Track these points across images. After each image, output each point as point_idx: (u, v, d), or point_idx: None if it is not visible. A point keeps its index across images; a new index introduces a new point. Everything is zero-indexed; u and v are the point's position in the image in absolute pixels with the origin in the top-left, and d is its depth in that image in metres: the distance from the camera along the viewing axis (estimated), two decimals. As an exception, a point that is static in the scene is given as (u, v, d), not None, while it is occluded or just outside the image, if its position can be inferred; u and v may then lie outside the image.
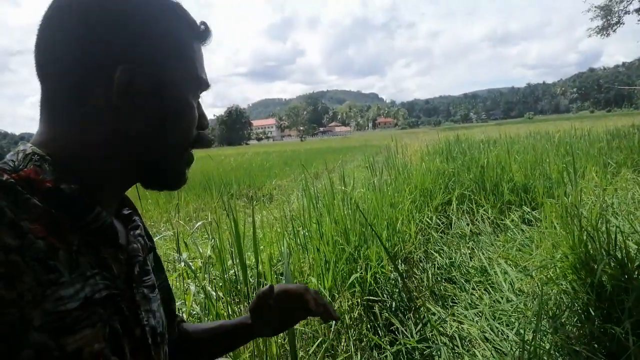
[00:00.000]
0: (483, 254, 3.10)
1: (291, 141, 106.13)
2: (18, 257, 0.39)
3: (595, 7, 15.68)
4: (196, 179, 11.15)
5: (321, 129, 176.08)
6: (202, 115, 0.60)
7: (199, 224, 2.62)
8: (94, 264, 0.47)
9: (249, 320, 0.78)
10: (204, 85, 0.59)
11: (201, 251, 2.12)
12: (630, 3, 15.14)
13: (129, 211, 0.63)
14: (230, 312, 1.72)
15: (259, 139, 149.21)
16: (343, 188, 3.12)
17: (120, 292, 0.50)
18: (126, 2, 0.49)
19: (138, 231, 0.61)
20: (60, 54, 0.48)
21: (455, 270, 2.90)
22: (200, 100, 0.60)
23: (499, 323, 2.12)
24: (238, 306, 1.72)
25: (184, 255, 1.72)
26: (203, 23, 0.58)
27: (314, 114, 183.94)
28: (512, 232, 3.46)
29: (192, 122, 0.56)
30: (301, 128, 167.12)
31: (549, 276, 2.34)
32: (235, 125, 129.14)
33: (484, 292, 2.52)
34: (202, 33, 0.58)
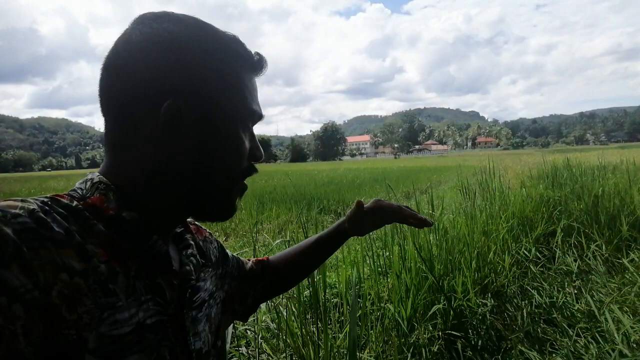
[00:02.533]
0: (592, 296, 2.72)
1: (384, 158, 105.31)
2: (81, 280, 0.41)
3: None
4: (289, 191, 11.57)
5: (416, 146, 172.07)
6: (255, 146, 0.59)
7: (277, 241, 2.68)
8: (149, 289, 0.49)
9: (344, 225, 0.90)
10: (257, 117, 0.59)
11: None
12: None
13: (181, 229, 0.64)
14: (304, 333, 1.71)
15: (352, 155, 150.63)
16: (431, 212, 2.97)
17: (170, 318, 0.51)
18: (178, 38, 0.51)
19: (190, 250, 0.62)
20: (116, 89, 0.51)
21: (556, 311, 2.59)
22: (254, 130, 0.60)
23: (608, 380, 1.83)
24: (313, 326, 1.71)
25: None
26: (257, 54, 0.58)
27: (410, 131, 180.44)
28: (630, 274, 2.99)
29: (240, 156, 0.56)
30: (395, 145, 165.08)
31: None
32: (330, 141, 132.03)
33: (590, 340, 2.20)
34: (256, 65, 0.58)
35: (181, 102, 0.50)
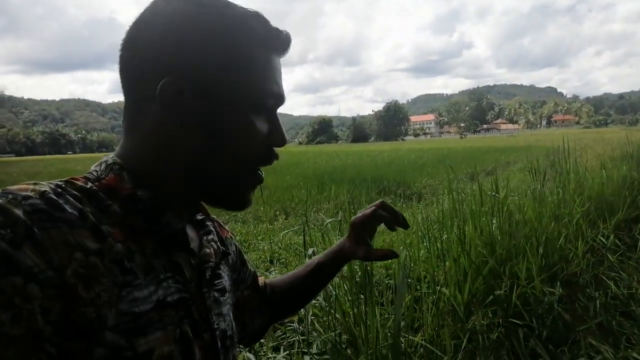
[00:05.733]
0: (677, 289, 2.45)
1: (450, 138, 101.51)
2: (97, 259, 0.42)
3: None
4: (348, 171, 11.56)
5: (484, 126, 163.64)
6: (275, 130, 0.56)
7: (329, 220, 2.68)
8: (167, 268, 0.50)
9: (342, 247, 0.85)
10: (274, 98, 0.55)
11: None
12: None
13: (202, 217, 0.64)
14: (356, 312, 1.71)
15: (416, 135, 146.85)
16: (494, 194, 2.81)
17: (192, 296, 0.52)
18: (183, 15, 0.49)
19: (211, 236, 0.62)
20: (127, 68, 0.51)
21: (635, 304, 2.36)
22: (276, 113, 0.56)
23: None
24: (364, 307, 1.70)
25: (311, 250, 1.77)
26: (278, 30, 0.54)
27: (477, 110, 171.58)
28: None
29: (251, 140, 0.53)
30: (462, 125, 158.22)
31: None
32: (393, 121, 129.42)
33: (673, 337, 1.99)
34: (275, 43, 0.54)
35: (181, 81, 0.48)
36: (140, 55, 0.50)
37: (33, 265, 0.37)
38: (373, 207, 0.83)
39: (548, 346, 1.91)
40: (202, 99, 0.50)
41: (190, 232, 0.58)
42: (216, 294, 0.57)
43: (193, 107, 0.49)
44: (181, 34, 0.49)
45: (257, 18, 0.53)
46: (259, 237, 5.24)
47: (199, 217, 0.63)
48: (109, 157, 0.52)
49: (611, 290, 2.50)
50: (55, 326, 0.37)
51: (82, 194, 0.45)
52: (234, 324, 0.61)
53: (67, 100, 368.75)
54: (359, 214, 0.84)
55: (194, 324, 0.51)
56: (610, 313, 2.30)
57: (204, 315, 0.53)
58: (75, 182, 0.47)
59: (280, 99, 0.56)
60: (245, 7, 0.53)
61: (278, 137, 0.56)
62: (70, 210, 0.42)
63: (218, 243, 0.63)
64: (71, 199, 0.43)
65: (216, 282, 0.59)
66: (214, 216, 0.69)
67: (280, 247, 4.40)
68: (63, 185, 0.45)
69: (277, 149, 0.57)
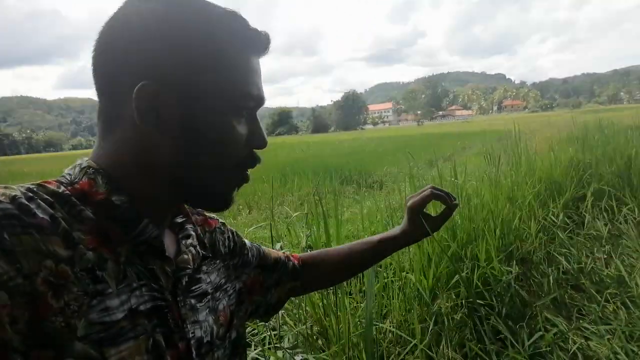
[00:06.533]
0: (623, 261, 2.64)
1: (408, 126, 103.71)
2: (68, 267, 0.40)
3: None
4: (310, 162, 11.58)
5: (440, 112, 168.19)
6: (255, 132, 0.55)
7: (296, 214, 2.68)
8: (142, 275, 0.48)
9: (406, 231, 0.88)
10: (254, 100, 0.54)
11: (301, 239, 2.18)
12: None
13: (183, 219, 0.62)
14: (326, 303, 1.73)
15: (374, 124, 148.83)
16: (453, 179, 2.91)
17: (167, 304, 0.51)
18: (158, 16, 0.48)
19: (190, 240, 0.60)
20: (100, 70, 0.49)
21: (584, 277, 2.53)
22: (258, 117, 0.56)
23: (637, 346, 1.79)
24: (333, 297, 1.72)
25: (278, 245, 1.77)
26: (257, 31, 0.53)
27: (433, 97, 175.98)
28: (664, 237, 2.89)
29: (230, 144, 0.52)
30: (418, 112, 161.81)
31: None
32: (352, 110, 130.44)
33: (620, 306, 2.15)
34: (255, 44, 0.53)
35: (158, 85, 0.47)
36: (114, 58, 0.48)
37: (2, 272, 0.35)
38: (429, 189, 0.87)
39: (508, 323, 2.01)
40: (180, 103, 0.48)
41: (168, 238, 0.57)
42: (193, 301, 0.56)
43: (170, 112, 0.48)
44: (157, 36, 0.47)
45: (235, 18, 0.52)
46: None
47: (179, 219, 0.62)
48: (84, 160, 0.50)
49: (562, 265, 2.66)
50: (23, 335, 0.36)
51: (54, 198, 0.44)
52: (214, 328, 0.59)
53: (9, 98, 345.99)
54: (415, 198, 0.87)
55: (168, 333, 0.50)
56: (563, 287, 2.46)
57: (179, 324, 0.52)
58: (48, 185, 0.45)
59: (260, 101, 0.55)
60: (223, 6, 0.52)
61: (259, 139, 0.56)
62: (41, 216, 0.40)
63: (198, 247, 0.61)
64: (43, 204, 0.42)
65: (194, 287, 0.58)
66: (199, 209, 0.68)
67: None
68: (34, 189, 0.43)
69: (258, 152, 0.57)
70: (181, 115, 0.49)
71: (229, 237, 0.72)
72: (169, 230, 0.59)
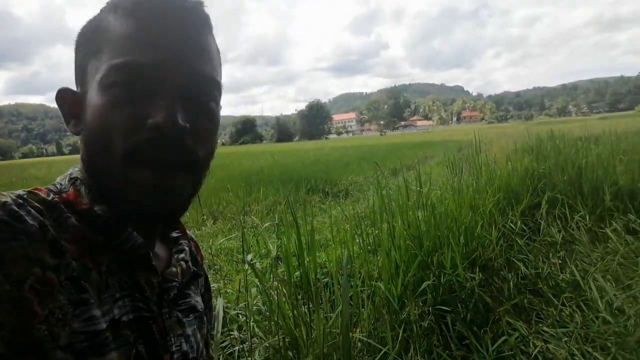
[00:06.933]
0: (576, 265, 2.78)
1: (371, 135, 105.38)
2: (54, 275, 0.40)
3: None
4: (275, 171, 11.51)
5: (402, 123, 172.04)
6: (135, 112, 0.44)
7: (266, 224, 2.67)
8: (125, 286, 0.47)
9: None
10: (125, 70, 0.44)
11: (271, 249, 2.15)
12: None
13: (178, 234, 0.62)
14: (296, 314, 1.72)
15: (338, 133, 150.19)
16: (418, 189, 2.98)
17: (152, 316, 0.50)
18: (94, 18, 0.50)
19: (182, 255, 0.59)
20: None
21: (542, 282, 2.64)
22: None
23: (592, 347, 1.88)
24: (304, 307, 1.71)
25: (249, 256, 1.74)
26: None
27: (395, 107, 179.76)
28: (613, 243, 3.06)
29: (106, 129, 0.45)
30: (381, 122, 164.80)
31: (657, 298, 2.03)
32: (316, 120, 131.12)
33: (575, 309, 2.26)
34: (141, 6, 0.46)
35: (75, 86, 0.50)
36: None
37: None
38: None
39: (473, 328, 2.07)
40: (81, 94, 0.49)
41: (160, 249, 0.56)
42: (180, 315, 0.55)
43: (74, 110, 0.50)
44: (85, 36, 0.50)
45: None
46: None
47: (175, 234, 0.62)
48: (74, 169, 0.51)
49: (521, 271, 2.77)
50: (8, 342, 0.35)
51: (44, 206, 0.43)
52: (199, 345, 0.58)
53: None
54: None
55: (152, 345, 0.49)
56: (522, 292, 2.56)
57: (164, 336, 0.51)
58: (38, 193, 0.45)
59: (132, 70, 0.44)
60: None
61: (155, 119, 0.44)
62: (31, 222, 0.40)
63: (189, 262, 0.60)
64: (32, 211, 0.41)
65: (181, 301, 0.56)
66: (193, 236, 0.67)
67: (210, 254, 4.27)
68: (25, 196, 0.43)
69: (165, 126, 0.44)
70: (82, 111, 0.49)
71: (202, 284, 0.68)
72: (162, 243, 0.58)
